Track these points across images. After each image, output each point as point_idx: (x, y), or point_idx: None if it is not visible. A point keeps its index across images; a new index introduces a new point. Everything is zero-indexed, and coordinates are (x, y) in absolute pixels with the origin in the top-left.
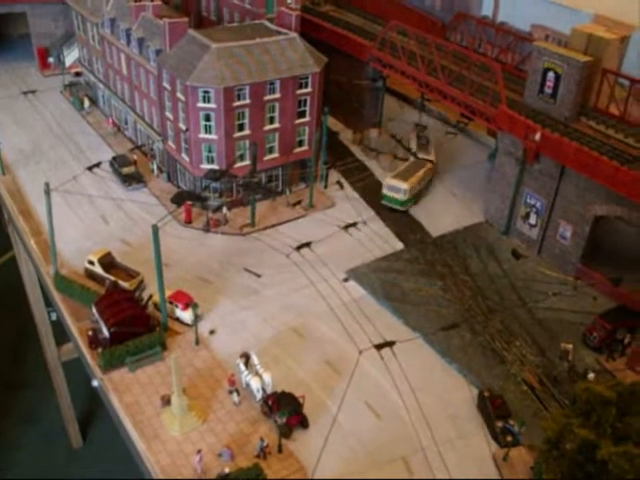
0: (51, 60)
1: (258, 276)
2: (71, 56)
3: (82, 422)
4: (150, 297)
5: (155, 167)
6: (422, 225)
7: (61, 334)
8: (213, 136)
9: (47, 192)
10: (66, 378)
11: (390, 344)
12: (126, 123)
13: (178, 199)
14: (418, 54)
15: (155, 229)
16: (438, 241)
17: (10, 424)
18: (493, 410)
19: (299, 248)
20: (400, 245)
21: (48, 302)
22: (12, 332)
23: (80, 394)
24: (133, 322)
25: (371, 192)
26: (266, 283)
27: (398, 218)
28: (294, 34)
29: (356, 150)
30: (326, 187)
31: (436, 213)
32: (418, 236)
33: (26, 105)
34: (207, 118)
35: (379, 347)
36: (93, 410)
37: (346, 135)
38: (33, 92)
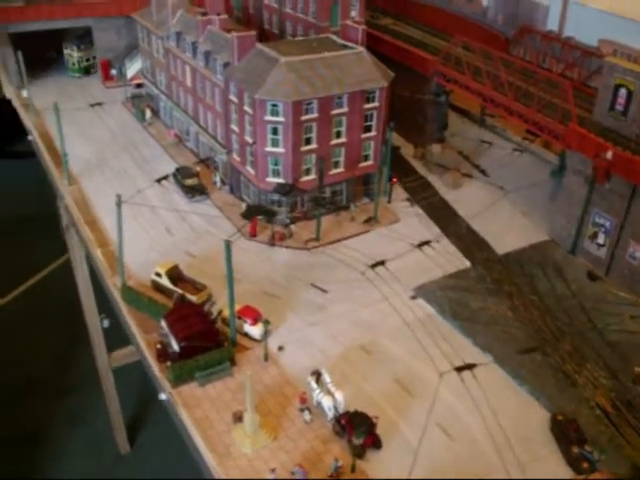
0: (113, 72)
1: (324, 292)
2: (132, 68)
3: (130, 428)
4: (220, 312)
5: (218, 179)
6: (488, 243)
7: (112, 341)
8: (280, 149)
9: (118, 204)
10: (116, 384)
11: (471, 367)
12: (187, 134)
13: (248, 214)
14: (484, 69)
15: (227, 244)
16: (504, 259)
17: (59, 428)
18: (568, 435)
19: (374, 266)
20: (466, 263)
21: (101, 309)
22: (64, 337)
23: (129, 401)
24: (203, 337)
25: (435, 208)
26: (333, 299)
27: (464, 235)
28: (361, 48)
29: (417, 165)
30: (389, 202)
31: (501, 231)
32: (484, 254)
33: (91, 117)
34: (274, 131)
35: (460, 369)
36: (141, 417)
37: (407, 150)
38: (100, 104)
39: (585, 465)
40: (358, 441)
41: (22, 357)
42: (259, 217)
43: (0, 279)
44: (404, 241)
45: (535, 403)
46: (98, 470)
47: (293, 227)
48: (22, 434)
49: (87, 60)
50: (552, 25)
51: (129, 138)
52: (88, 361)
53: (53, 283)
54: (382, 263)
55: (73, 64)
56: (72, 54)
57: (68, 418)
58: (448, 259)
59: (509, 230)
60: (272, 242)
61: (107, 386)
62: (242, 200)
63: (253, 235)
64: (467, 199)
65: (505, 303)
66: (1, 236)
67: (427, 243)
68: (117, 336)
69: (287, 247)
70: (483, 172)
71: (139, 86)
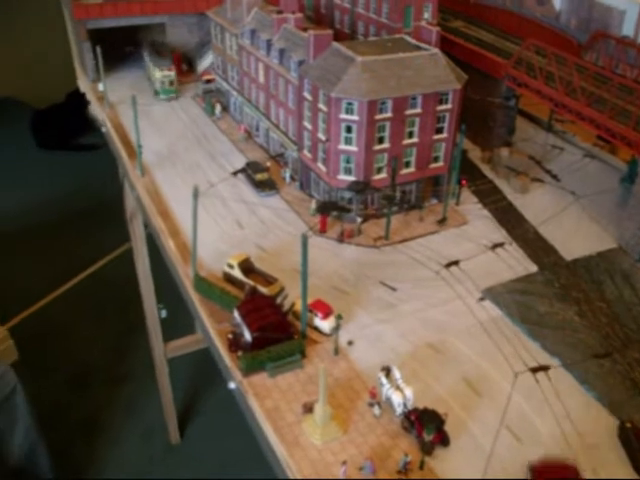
0: (184, 68)
1: (393, 290)
2: (203, 64)
3: (180, 419)
4: (293, 305)
5: (287, 175)
6: (555, 248)
7: (168, 331)
8: (353, 148)
9: (195, 196)
10: (170, 375)
11: (545, 368)
12: (257, 130)
13: (323, 210)
14: (556, 74)
15: (304, 238)
16: (571, 265)
17: (114, 415)
18: (637, 442)
19: (448, 266)
20: (534, 267)
21: (159, 299)
22: (121, 326)
23: (181, 391)
24: (275, 328)
25: (503, 212)
26: (402, 297)
27: (531, 240)
28: (436, 50)
29: (485, 168)
30: (457, 204)
31: (569, 236)
32: (552, 259)
33: (162, 110)
34: (348, 130)
35: (534, 370)
36: (192, 408)
37: (474, 153)
38: (176, 98)
39: None
40: (428, 437)
41: (81, 345)
42: (334, 213)
43: (61, 267)
44: (472, 243)
45: (603, 409)
46: (150, 459)
47: (362, 225)
48: (80, 419)
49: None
50: (628, 30)
51: (199, 132)
52: (143, 350)
53: (112, 273)
54: (456, 263)
55: (170, 83)
56: (168, 74)
57: (123, 406)
58: (515, 263)
59: (577, 236)
60: (341, 239)
61: (161, 376)
62: (311, 196)
63: (323, 231)
64: (535, 204)
65: (573, 309)
66: (63, 226)
67: (500, 245)
68: (173, 327)
69: (356, 244)
70: (555, 177)
71: (209, 82)
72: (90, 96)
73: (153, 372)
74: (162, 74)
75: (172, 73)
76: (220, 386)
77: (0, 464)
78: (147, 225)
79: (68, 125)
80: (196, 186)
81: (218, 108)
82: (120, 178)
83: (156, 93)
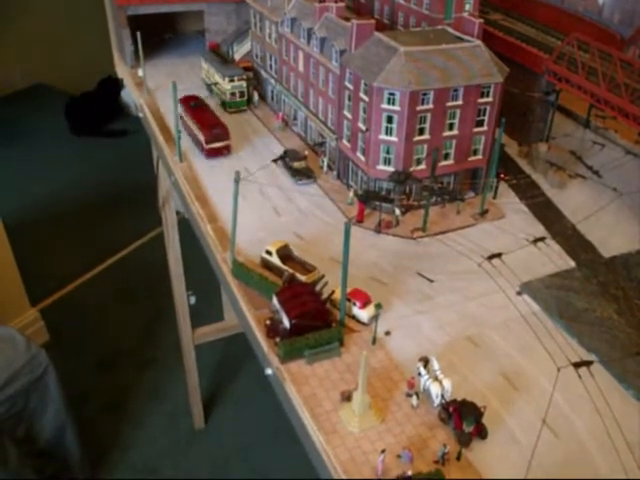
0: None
1: (431, 281)
2: (239, 52)
3: (205, 405)
4: (332, 292)
5: (325, 164)
6: (593, 244)
7: (196, 318)
8: (393, 138)
9: (237, 180)
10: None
11: (588, 364)
12: (295, 119)
13: (365, 198)
14: (600, 70)
15: (347, 226)
16: (610, 262)
17: (137, 400)
18: None
19: (490, 258)
20: (571, 263)
21: (188, 286)
22: (149, 311)
23: (206, 377)
24: (314, 316)
25: (540, 207)
26: (439, 289)
27: (569, 235)
28: (478, 41)
29: (522, 163)
30: (495, 198)
31: (607, 233)
32: (589, 255)
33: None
34: (389, 120)
35: (577, 366)
36: (216, 394)
37: (511, 148)
38: (215, 84)
39: None
40: (468, 428)
41: (110, 328)
42: (375, 203)
43: (91, 252)
44: (510, 237)
45: None
46: (174, 443)
47: (400, 216)
48: (107, 402)
49: (247, 88)
50: None
51: (236, 119)
52: (171, 336)
53: (141, 258)
54: (498, 255)
55: (241, 94)
56: (239, 84)
57: (148, 390)
58: (553, 258)
59: (616, 233)
60: (378, 229)
61: (188, 362)
62: (348, 186)
63: (360, 221)
64: (574, 199)
65: (611, 306)
66: (94, 211)
67: (542, 240)
68: (199, 315)
69: (393, 235)
70: (596, 173)
71: (246, 69)
72: (128, 82)
73: (179, 358)
74: (232, 85)
75: (243, 83)
76: (245, 376)
77: (30, 444)
78: (179, 211)
79: (101, 111)
80: (238, 171)
81: (255, 96)
82: (154, 164)
83: (223, 105)
